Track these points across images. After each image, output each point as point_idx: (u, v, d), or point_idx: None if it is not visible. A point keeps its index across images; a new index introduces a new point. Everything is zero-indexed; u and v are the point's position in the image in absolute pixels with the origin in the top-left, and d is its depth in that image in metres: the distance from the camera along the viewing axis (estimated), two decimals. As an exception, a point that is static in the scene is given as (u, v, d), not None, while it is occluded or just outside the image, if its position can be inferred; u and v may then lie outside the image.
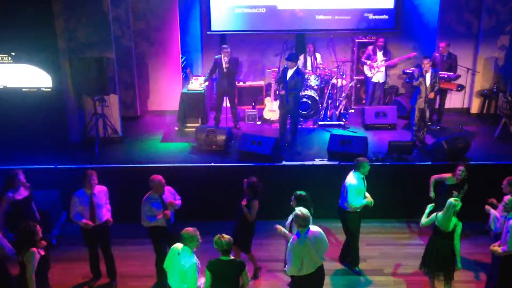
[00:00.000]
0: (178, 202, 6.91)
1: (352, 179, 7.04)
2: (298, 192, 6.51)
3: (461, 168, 7.39)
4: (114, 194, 7.19)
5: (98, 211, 6.79)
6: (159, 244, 6.82)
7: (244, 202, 6.88)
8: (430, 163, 8.62)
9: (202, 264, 5.56)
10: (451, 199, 6.33)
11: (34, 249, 5.60)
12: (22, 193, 7.04)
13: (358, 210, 7.12)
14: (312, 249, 5.73)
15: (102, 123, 9.41)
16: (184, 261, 5.48)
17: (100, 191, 6.88)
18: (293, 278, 5.98)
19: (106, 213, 6.91)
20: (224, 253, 5.45)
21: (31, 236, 5.63)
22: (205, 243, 5.78)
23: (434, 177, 7.65)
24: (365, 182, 7.15)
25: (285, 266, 6.03)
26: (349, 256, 7.51)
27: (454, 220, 6.31)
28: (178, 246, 5.60)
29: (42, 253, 5.69)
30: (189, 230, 5.54)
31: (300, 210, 5.82)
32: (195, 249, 5.57)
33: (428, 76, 9.04)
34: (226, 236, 5.46)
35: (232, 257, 5.53)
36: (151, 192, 6.73)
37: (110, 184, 7.15)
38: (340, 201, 7.24)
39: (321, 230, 5.89)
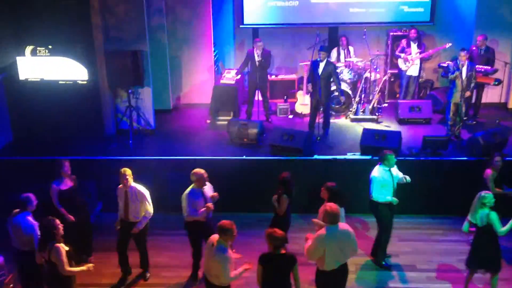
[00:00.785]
0: (215, 194, 6.98)
1: (375, 171, 7.05)
2: (329, 184, 6.49)
3: (498, 158, 7.38)
4: (146, 186, 7.27)
5: (131, 207, 6.85)
6: (196, 237, 6.91)
7: (274, 196, 6.88)
8: (465, 158, 8.45)
9: (245, 257, 5.58)
10: (482, 192, 6.29)
11: (57, 245, 5.63)
12: (67, 183, 7.15)
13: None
14: (337, 246, 5.71)
15: (136, 115, 9.55)
16: (218, 254, 5.52)
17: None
18: (317, 274, 5.95)
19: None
20: (277, 247, 5.45)
21: (52, 231, 5.64)
22: (240, 235, 5.81)
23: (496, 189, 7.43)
24: (393, 176, 7.04)
25: None
26: (378, 249, 7.42)
27: (481, 212, 6.20)
28: (214, 238, 5.64)
29: (67, 248, 5.71)
30: (226, 223, 5.57)
31: (330, 206, 5.80)
32: (230, 242, 5.60)
33: (464, 70, 8.84)
34: (280, 231, 5.48)
35: (283, 251, 5.53)
36: (193, 185, 6.77)
37: (143, 176, 7.24)
38: (369, 193, 7.22)
39: (351, 231, 5.85)
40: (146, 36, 9.44)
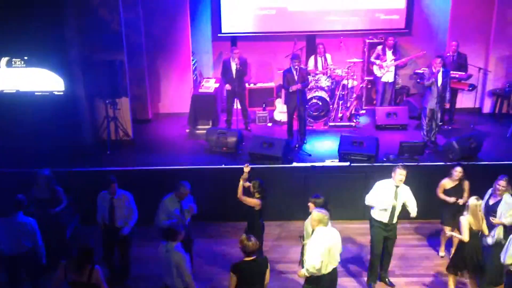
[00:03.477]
0: (195, 208, 7.03)
1: None
2: (316, 197, 6.45)
3: (457, 169, 7.40)
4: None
5: (117, 213, 6.90)
6: None
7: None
8: (442, 163, 8.57)
9: (224, 266, 5.60)
10: (472, 198, 6.41)
11: (98, 266, 5.62)
12: (45, 192, 7.21)
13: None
14: (332, 248, 5.76)
15: (114, 126, 9.50)
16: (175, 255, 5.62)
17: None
18: (307, 280, 5.96)
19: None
20: (250, 254, 5.47)
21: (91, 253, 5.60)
22: (219, 244, 5.82)
23: (440, 194, 7.54)
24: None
25: (302, 266, 6.03)
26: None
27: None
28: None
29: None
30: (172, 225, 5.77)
31: (320, 210, 5.88)
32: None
33: (439, 76, 8.99)
34: (253, 238, 5.51)
35: (254, 256, 5.54)
36: (172, 195, 6.81)
37: (121, 187, 7.19)
38: None
39: (337, 232, 5.93)
40: (123, 46, 9.41)
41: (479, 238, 6.51)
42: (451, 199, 7.36)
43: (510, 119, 10.08)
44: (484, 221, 6.46)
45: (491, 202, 6.83)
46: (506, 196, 6.72)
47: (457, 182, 7.42)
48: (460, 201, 7.30)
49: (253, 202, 6.83)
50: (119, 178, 7.98)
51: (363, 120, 10.70)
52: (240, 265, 5.48)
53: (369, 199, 6.93)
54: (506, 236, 6.39)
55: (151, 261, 7.65)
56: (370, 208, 6.99)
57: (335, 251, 5.86)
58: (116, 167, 8.75)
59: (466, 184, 7.44)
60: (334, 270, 5.92)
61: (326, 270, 5.78)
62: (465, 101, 10.95)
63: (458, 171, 7.38)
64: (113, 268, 7.24)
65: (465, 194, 7.36)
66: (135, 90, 10.32)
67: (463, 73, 10.13)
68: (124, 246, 7.11)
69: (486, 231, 6.50)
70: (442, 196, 7.48)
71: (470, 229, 6.39)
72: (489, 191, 6.92)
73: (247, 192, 6.96)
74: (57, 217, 7.39)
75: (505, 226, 6.60)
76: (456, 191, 7.42)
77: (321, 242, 5.70)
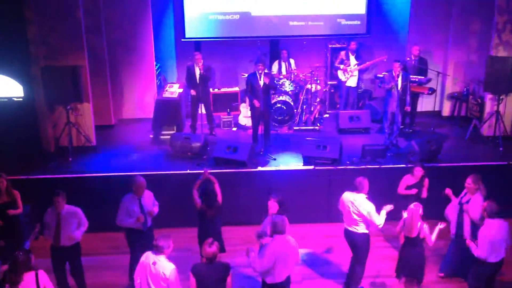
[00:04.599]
0: (156, 209, 6.96)
1: (367, 202, 6.71)
2: (276, 196, 6.50)
3: (418, 169, 7.65)
4: (87, 203, 7.11)
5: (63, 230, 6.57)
6: (134, 248, 6.81)
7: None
8: (403, 165, 8.74)
9: (187, 272, 5.56)
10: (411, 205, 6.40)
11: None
12: (3, 199, 7.05)
13: None
14: (286, 256, 5.78)
15: (75, 132, 9.34)
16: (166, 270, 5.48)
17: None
18: (263, 285, 5.98)
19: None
20: (211, 258, 5.45)
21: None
22: (185, 251, 5.77)
23: (401, 190, 7.74)
24: None
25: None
26: (354, 280, 7.13)
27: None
28: (150, 257, 5.58)
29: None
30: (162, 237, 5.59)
31: (277, 216, 5.90)
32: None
33: (399, 80, 9.18)
34: (213, 242, 5.49)
35: (216, 261, 5.52)
36: (131, 193, 6.75)
37: (83, 194, 7.08)
38: (352, 228, 6.80)
39: (295, 241, 5.94)
40: (84, 51, 9.27)
41: (417, 244, 6.45)
42: (413, 191, 7.63)
43: (468, 122, 10.35)
44: (425, 228, 6.39)
45: (463, 200, 7.02)
46: (475, 196, 6.89)
47: (417, 180, 7.69)
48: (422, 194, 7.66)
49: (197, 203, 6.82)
50: (81, 186, 7.89)
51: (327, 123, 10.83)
52: (200, 268, 5.48)
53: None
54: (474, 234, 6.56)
55: (113, 268, 7.59)
56: (341, 212, 6.94)
57: (290, 260, 5.85)
58: (78, 174, 8.60)
59: (426, 181, 7.72)
60: (289, 277, 5.95)
61: (281, 278, 5.80)
62: (425, 104, 11.22)
63: (418, 171, 7.66)
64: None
65: (424, 189, 7.70)
66: (97, 96, 10.16)
67: (423, 77, 10.37)
68: (74, 260, 6.78)
69: (430, 239, 6.41)
70: (403, 191, 7.69)
71: (405, 236, 6.48)
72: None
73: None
74: (15, 223, 7.19)
75: (474, 225, 6.78)
76: (417, 187, 7.70)
77: (275, 252, 5.71)
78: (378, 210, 6.69)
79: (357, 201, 6.67)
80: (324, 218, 8.60)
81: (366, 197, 6.74)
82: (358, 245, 6.83)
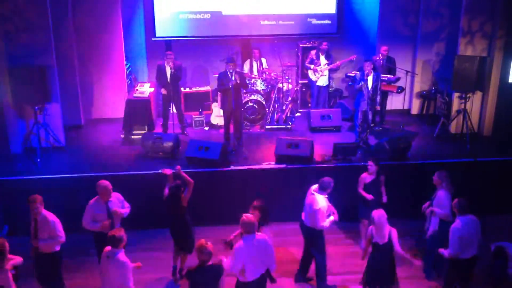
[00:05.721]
0: (126, 210, 6.85)
1: (322, 201, 6.81)
2: (258, 203, 6.60)
3: (369, 162, 7.70)
4: (57, 205, 6.98)
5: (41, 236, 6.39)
6: (102, 250, 6.68)
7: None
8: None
9: (162, 273, 5.53)
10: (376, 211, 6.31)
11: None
12: None
13: None
14: (257, 256, 5.80)
15: (44, 132, 9.17)
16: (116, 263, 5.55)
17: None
18: (237, 285, 5.98)
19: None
20: (205, 261, 5.45)
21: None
22: (156, 251, 5.74)
23: (360, 190, 7.79)
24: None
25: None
26: (319, 273, 7.20)
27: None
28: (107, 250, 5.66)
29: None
30: (115, 231, 5.69)
31: (246, 216, 5.90)
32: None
33: (369, 79, 9.30)
34: (208, 244, 5.48)
35: (210, 263, 5.52)
36: (97, 197, 6.64)
37: (53, 195, 6.95)
38: (306, 220, 6.99)
39: (269, 240, 5.96)
40: (52, 50, 9.11)
41: (388, 251, 6.29)
42: (369, 196, 7.64)
43: (436, 120, 10.54)
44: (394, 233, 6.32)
45: (432, 197, 7.14)
46: (439, 192, 7.02)
47: (374, 176, 7.69)
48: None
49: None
50: (50, 187, 7.73)
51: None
52: (194, 271, 5.47)
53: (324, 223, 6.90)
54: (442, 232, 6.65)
55: (83, 271, 7.49)
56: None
57: (264, 258, 5.88)
58: (47, 175, 8.44)
59: (382, 178, 7.77)
60: (264, 275, 5.98)
61: (253, 277, 5.82)
62: (395, 102, 11.39)
63: (371, 166, 7.68)
64: None
65: (382, 188, 7.76)
66: (66, 95, 9.99)
67: (392, 76, 10.53)
68: (55, 268, 6.63)
69: (398, 247, 6.27)
70: (362, 192, 7.74)
71: (375, 243, 6.27)
72: None
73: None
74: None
75: (445, 223, 6.85)
76: (374, 184, 7.70)
77: (244, 252, 5.74)
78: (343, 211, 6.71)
79: (316, 198, 6.80)
80: (296, 217, 8.62)
81: (326, 197, 6.84)
82: (315, 235, 6.96)
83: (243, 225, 5.82)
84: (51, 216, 6.37)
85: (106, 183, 6.63)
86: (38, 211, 6.27)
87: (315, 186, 6.93)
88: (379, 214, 6.23)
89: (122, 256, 5.63)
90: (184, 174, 7.12)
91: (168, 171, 7.12)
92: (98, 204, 6.61)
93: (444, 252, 6.38)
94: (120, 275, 5.55)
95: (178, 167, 7.26)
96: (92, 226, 6.61)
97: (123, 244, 5.66)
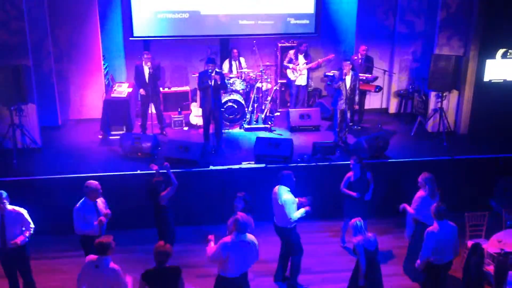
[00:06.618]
0: (108, 211, 6.81)
1: (285, 194, 6.81)
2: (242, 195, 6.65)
3: (352, 161, 7.70)
4: (33, 207, 6.87)
5: (8, 232, 6.34)
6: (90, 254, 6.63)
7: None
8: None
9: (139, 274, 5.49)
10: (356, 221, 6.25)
11: None
12: None
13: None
14: (242, 255, 5.82)
15: (20, 133, 9.03)
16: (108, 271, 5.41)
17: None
18: (217, 279, 6.00)
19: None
20: (161, 262, 5.41)
21: None
22: (135, 252, 5.70)
23: (344, 188, 7.79)
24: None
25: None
26: (291, 272, 7.24)
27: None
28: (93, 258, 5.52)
29: None
30: (104, 240, 5.54)
31: (242, 216, 5.92)
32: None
33: (348, 79, 9.36)
34: (164, 246, 5.44)
35: (164, 265, 5.47)
36: (84, 199, 6.57)
37: (29, 197, 6.85)
38: (277, 220, 7.01)
39: (255, 241, 5.98)
40: (28, 49, 8.97)
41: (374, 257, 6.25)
42: (354, 194, 7.63)
43: (414, 118, 10.67)
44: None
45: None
46: (419, 192, 7.03)
47: (359, 174, 7.68)
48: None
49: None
50: (26, 189, 7.62)
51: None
52: (151, 273, 5.41)
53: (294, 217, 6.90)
54: (421, 234, 6.60)
55: (64, 272, 7.40)
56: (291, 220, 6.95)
57: (247, 259, 5.90)
58: (23, 176, 8.32)
59: (369, 176, 7.78)
60: (245, 274, 6.00)
61: (234, 274, 5.85)
62: (373, 102, 11.49)
63: (352, 163, 7.67)
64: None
65: (370, 186, 7.78)
66: (42, 96, 9.85)
67: (370, 75, 10.62)
68: (23, 262, 6.56)
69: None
70: (345, 191, 7.74)
71: (365, 250, 6.14)
72: None
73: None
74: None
75: (421, 224, 6.89)
76: (361, 182, 7.68)
77: (232, 249, 5.75)
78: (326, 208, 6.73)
79: (278, 192, 6.83)
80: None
81: (289, 190, 6.85)
82: (288, 234, 6.98)
83: (237, 223, 5.82)
84: (18, 209, 6.40)
85: (96, 183, 6.58)
86: (3, 207, 6.25)
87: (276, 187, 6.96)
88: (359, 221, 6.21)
89: (112, 263, 5.50)
90: (171, 174, 7.10)
91: (155, 167, 7.20)
92: (87, 206, 6.53)
93: (417, 261, 6.37)
94: (114, 283, 5.43)
95: (167, 164, 7.27)
96: (86, 229, 6.49)
97: (111, 251, 5.50)
